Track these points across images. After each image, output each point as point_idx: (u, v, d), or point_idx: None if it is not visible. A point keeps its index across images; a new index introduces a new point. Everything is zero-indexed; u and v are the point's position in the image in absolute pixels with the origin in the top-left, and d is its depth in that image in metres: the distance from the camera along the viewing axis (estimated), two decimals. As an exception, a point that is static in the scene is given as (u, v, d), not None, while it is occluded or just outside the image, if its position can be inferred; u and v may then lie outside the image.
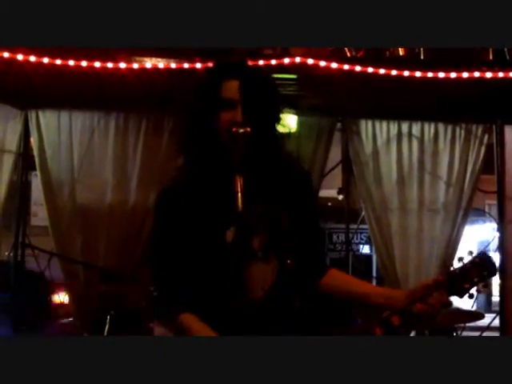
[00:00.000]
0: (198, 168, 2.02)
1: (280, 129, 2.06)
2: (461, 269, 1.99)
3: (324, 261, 2.20)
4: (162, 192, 2.10)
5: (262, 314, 1.94)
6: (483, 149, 5.20)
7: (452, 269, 2.00)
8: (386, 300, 2.01)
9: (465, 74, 4.46)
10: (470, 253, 2.01)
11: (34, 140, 5.14)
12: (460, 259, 2.01)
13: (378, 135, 5.24)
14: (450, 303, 2.00)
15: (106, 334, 3.70)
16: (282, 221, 2.00)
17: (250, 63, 2.13)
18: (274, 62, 4.22)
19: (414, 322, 1.97)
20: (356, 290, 2.08)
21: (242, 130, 1.92)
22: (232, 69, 2.03)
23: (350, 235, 5.69)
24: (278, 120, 2.06)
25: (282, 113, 2.07)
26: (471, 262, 1.98)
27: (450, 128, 5.22)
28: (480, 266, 1.97)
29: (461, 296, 2.01)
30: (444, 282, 1.97)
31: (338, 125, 5.30)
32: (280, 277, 1.97)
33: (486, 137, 5.22)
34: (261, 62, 4.21)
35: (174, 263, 2.01)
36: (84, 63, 4.28)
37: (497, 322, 5.28)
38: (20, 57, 4.21)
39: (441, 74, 4.44)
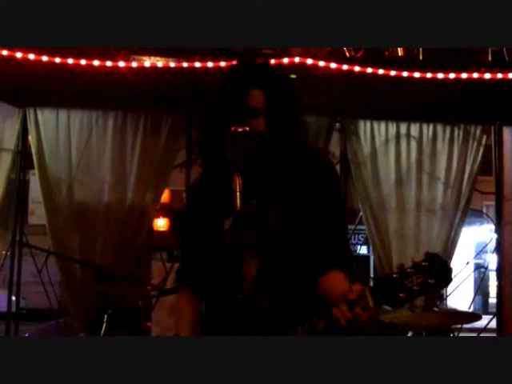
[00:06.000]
0: (207, 167, 2.18)
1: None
2: (400, 273, 1.68)
3: (331, 260, 2.04)
4: (191, 186, 2.42)
5: (245, 310, 1.95)
6: (481, 150, 5.21)
7: (394, 272, 1.70)
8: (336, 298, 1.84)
9: (463, 75, 4.45)
10: (427, 255, 1.69)
11: (32, 138, 5.12)
12: (414, 262, 1.69)
13: (377, 135, 5.24)
14: (370, 311, 1.70)
15: (103, 333, 3.69)
16: (270, 219, 2.01)
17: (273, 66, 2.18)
18: (273, 61, 4.20)
19: (337, 328, 1.77)
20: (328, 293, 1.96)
21: (240, 130, 1.94)
22: (258, 75, 2.06)
23: (348, 236, 5.68)
24: (299, 126, 2.10)
25: (302, 119, 2.13)
26: (415, 267, 1.67)
27: (448, 129, 5.22)
28: (426, 273, 1.66)
29: (394, 306, 1.74)
30: (371, 287, 1.72)
31: (337, 125, 5.30)
32: (260, 273, 1.98)
33: (485, 138, 5.22)
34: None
35: (188, 248, 2.28)
36: (83, 61, 4.27)
37: (494, 324, 5.29)
38: (19, 55, 4.19)
39: (440, 75, 4.43)
